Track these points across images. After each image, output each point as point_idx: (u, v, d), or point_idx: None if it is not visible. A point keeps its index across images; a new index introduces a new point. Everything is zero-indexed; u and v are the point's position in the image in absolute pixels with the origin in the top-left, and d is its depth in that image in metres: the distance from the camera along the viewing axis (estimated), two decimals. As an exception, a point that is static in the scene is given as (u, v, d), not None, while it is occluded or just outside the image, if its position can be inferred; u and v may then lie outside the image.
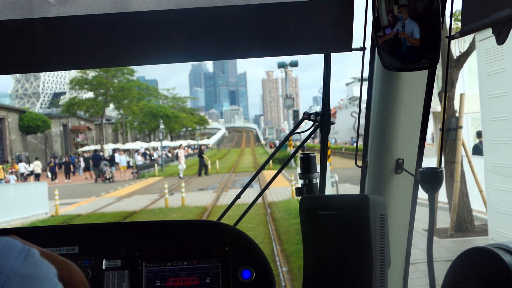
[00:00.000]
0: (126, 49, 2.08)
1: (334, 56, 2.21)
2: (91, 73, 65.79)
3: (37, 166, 44.70)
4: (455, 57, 11.97)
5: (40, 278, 0.93)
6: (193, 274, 2.00)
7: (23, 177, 43.79)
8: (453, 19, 1.91)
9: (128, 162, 44.69)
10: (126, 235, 2.08)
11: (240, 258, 2.01)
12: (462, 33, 1.80)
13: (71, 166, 46.56)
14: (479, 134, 17.37)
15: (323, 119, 2.42)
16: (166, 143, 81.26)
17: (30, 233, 2.21)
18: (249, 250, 2.02)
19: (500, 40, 1.64)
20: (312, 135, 2.49)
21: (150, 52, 2.09)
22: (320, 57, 2.32)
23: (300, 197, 2.03)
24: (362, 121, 2.41)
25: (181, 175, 38.31)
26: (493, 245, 1.54)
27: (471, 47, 11.59)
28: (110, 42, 2.04)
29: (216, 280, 1.99)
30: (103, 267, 2.03)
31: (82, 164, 50.60)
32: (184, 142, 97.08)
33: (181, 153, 39.89)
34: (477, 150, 15.03)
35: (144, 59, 2.13)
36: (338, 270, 1.84)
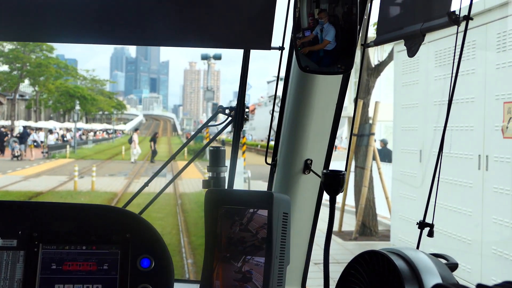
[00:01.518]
0: (43, 24, 2.02)
1: (259, 53, 2.23)
2: (7, 46, 63.25)
3: None
4: (373, 65, 12.32)
5: None
6: (91, 259, 1.96)
7: None
8: (373, 28, 1.97)
9: (34, 141, 43.24)
10: (25, 215, 2.01)
11: (141, 246, 1.98)
12: (376, 43, 1.86)
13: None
14: (384, 142, 17.89)
15: (237, 114, 2.43)
16: (81, 125, 79.28)
17: None
18: (150, 238, 2.00)
19: (411, 52, 1.70)
20: (230, 129, 2.50)
21: (67, 29, 2.04)
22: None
23: (206, 189, 2.03)
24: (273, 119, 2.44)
25: (133, 160, 37.50)
26: (387, 249, 1.59)
27: (390, 57, 11.95)
28: (26, 15, 1.97)
29: (114, 267, 1.96)
30: None
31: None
32: (99, 126, 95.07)
33: (136, 137, 38.94)
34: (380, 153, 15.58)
35: (60, 37, 2.07)
36: (236, 265, 1.85)
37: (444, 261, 1.65)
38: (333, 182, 1.77)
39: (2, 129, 51.49)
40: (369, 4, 1.91)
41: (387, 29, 1.82)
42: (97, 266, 1.95)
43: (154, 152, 38.42)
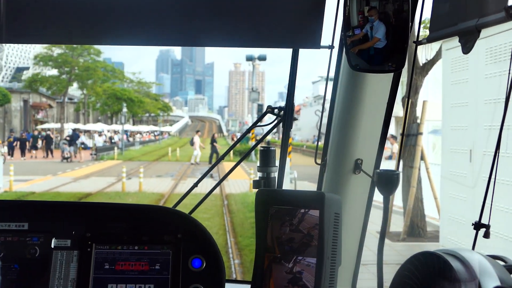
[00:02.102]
0: (94, 27, 2.05)
1: (303, 53, 2.21)
2: (56, 50, 64.66)
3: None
4: (421, 64, 12.13)
5: None
6: (143, 259, 1.98)
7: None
8: (422, 26, 1.93)
9: (82, 143, 44.08)
10: (78, 215, 2.05)
11: (192, 246, 1.99)
12: (429, 40, 1.82)
13: (27, 143, 45.61)
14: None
15: (286, 114, 2.42)
16: (128, 127, 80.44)
17: None
18: (202, 239, 2.01)
19: (466, 49, 1.66)
20: (275, 130, 2.49)
21: (117, 32, 2.06)
22: (289, 52, 2.32)
23: (257, 189, 2.02)
24: (325, 120, 2.42)
25: (194, 161, 36.97)
26: (442, 250, 1.56)
27: (437, 56, 11.75)
28: (79, 19, 2.01)
29: (166, 267, 1.97)
30: (52, 246, 1.99)
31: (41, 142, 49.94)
32: (146, 128, 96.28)
33: (197, 139, 38.51)
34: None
35: (110, 39, 2.09)
36: (288, 265, 1.84)
37: (502, 263, 1.60)
38: (387, 182, 1.74)
39: (49, 132, 52.65)
40: (422, 1, 1.87)
41: (440, 26, 1.78)
42: (149, 266, 1.97)
43: (215, 154, 37.68)
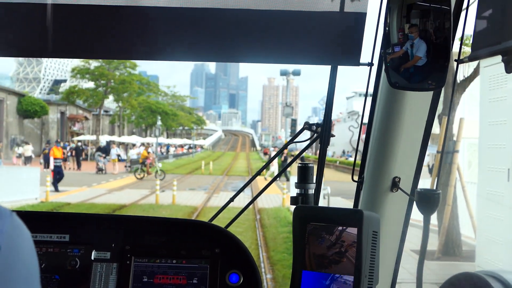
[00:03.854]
0: (131, 42, 2.08)
1: (338, 69, 2.21)
2: (93, 63, 65.73)
3: (26, 150, 44.91)
4: (458, 81, 12.02)
5: (24, 236, 1.00)
6: (181, 273, 1.99)
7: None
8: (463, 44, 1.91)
9: (118, 155, 44.62)
10: (118, 228, 2.08)
11: (229, 261, 2.00)
12: (471, 58, 1.80)
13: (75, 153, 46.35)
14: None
15: (323, 131, 2.41)
16: (162, 140, 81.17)
17: (23, 216, 2.20)
18: (239, 254, 2.02)
19: (510, 68, 1.64)
20: (308, 146, 2.49)
21: (154, 48, 2.09)
22: (323, 68, 2.32)
23: (294, 206, 2.02)
24: (361, 136, 2.41)
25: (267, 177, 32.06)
26: (483, 272, 1.53)
27: (475, 73, 11.62)
28: (117, 33, 2.04)
29: (203, 281, 1.98)
30: (92, 258, 2.02)
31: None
32: (179, 141, 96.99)
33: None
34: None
35: (147, 55, 2.13)
36: (325, 283, 1.83)
37: (543, 285, 1.57)
38: (428, 201, 1.73)
39: (79, 144, 53.39)
40: (464, 19, 1.86)
41: (482, 44, 1.77)
42: (187, 280, 1.98)
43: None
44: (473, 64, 11.77)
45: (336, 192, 22.42)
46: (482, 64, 10.55)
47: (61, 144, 50.40)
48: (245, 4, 1.95)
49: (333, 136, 2.51)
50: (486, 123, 10.11)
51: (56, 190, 24.97)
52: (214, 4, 1.93)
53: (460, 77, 12.12)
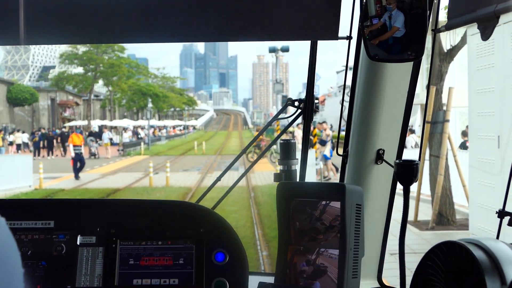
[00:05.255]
0: (116, 25, 2.07)
1: (327, 43, 2.20)
2: (81, 48, 65.33)
3: (18, 138, 45.00)
4: (445, 50, 12.00)
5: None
6: (167, 254, 2.00)
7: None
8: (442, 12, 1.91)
9: (111, 139, 44.51)
10: (102, 212, 2.08)
11: (215, 241, 2.01)
12: (448, 27, 1.80)
13: (54, 141, 45.98)
14: (464, 134, 17.63)
15: (306, 106, 2.41)
16: (154, 122, 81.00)
17: (7, 206, 2.20)
18: (224, 233, 2.03)
19: (485, 35, 1.64)
20: (298, 121, 2.49)
21: (138, 30, 2.08)
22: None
23: (278, 182, 2.03)
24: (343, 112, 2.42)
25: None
26: (465, 240, 1.55)
27: (462, 41, 11.59)
28: (101, 18, 2.03)
29: (189, 261, 1.99)
30: (78, 243, 2.03)
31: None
32: (171, 122, 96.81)
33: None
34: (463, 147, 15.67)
35: (132, 37, 2.11)
36: (310, 258, 1.84)
37: (527, 251, 1.58)
38: (406, 172, 1.73)
39: (63, 130, 53.09)
40: (439, -12, 1.85)
41: (458, 13, 1.76)
42: (173, 261, 2.00)
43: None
44: (460, 32, 11.75)
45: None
46: (469, 32, 10.53)
47: (58, 131, 50.29)
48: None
49: (317, 111, 2.51)
50: (475, 91, 10.12)
51: (77, 178, 24.49)
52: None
53: (447, 46, 12.09)
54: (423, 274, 1.64)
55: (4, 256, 0.97)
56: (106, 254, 2.01)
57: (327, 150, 21.90)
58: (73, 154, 24.90)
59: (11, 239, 1.00)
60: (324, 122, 25.74)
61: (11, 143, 44.75)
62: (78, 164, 24.85)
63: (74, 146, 25.07)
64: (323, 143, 22.61)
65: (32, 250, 2.01)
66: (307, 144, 2.45)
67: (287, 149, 2.28)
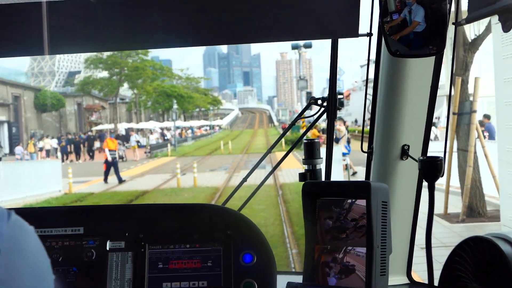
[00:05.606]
0: (140, 32, 2.09)
1: (347, 39, 2.19)
2: (105, 53, 65.88)
3: (47, 143, 45.84)
4: (469, 40, 11.85)
5: (27, 231, 0.99)
6: (195, 257, 2.02)
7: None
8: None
9: (138, 142, 44.83)
10: (130, 217, 2.11)
11: (242, 242, 2.03)
12: (468, 20, 1.79)
13: (81, 146, 46.40)
14: (481, 123, 17.50)
15: (329, 104, 2.41)
16: (180, 123, 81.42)
17: (37, 214, 2.24)
18: (251, 234, 2.04)
19: (506, 27, 1.63)
20: (324, 117, 2.49)
21: (160, 35, 2.10)
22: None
23: (303, 182, 2.03)
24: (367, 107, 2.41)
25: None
26: (492, 234, 1.53)
27: (487, 30, 11.44)
28: (126, 24, 2.05)
29: (217, 263, 2.01)
30: (107, 248, 2.06)
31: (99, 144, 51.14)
32: (197, 123, 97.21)
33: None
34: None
35: (158, 43, 2.14)
36: (338, 257, 1.84)
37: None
38: (430, 169, 1.73)
39: (90, 134, 53.59)
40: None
41: (479, 5, 1.74)
42: (201, 264, 2.02)
43: None
44: (485, 21, 11.59)
45: (357, 161, 22.38)
46: (493, 21, 10.40)
47: (83, 135, 50.83)
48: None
49: (339, 109, 2.51)
50: (502, 80, 9.98)
51: (120, 181, 24.50)
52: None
53: (471, 36, 11.94)
54: (452, 269, 1.63)
55: (35, 263, 1.00)
56: (135, 258, 2.04)
57: (342, 147, 21.65)
58: (110, 159, 24.94)
59: (41, 247, 1.02)
60: (340, 119, 25.25)
61: (40, 149, 45.47)
62: (112, 168, 24.91)
63: (109, 150, 25.04)
64: (336, 140, 22.38)
65: (63, 256, 2.04)
66: (331, 142, 2.45)
67: (311, 149, 2.28)
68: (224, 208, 2.14)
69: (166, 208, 2.18)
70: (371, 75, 2.36)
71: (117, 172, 24.88)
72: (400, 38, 1.70)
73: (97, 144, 49.80)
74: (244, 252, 2.02)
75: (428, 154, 2.18)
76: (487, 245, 1.50)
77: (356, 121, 79.51)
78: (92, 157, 44.53)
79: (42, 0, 1.91)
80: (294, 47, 43.24)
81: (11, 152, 51.60)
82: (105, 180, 24.74)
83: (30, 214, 2.24)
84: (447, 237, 10.24)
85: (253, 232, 2.05)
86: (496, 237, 1.50)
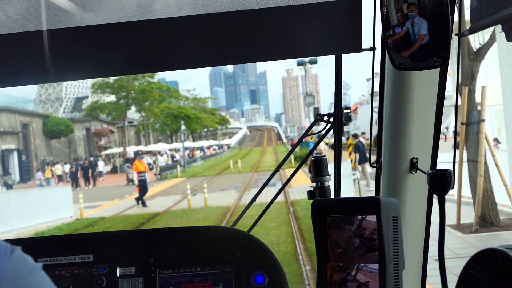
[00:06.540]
0: (149, 55, 2.09)
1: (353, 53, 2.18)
2: (112, 77, 66.28)
3: (58, 169, 46.31)
4: (475, 50, 11.83)
5: (30, 269, 0.97)
6: (206, 280, 2.00)
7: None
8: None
9: (149, 164, 44.85)
10: (140, 243, 2.10)
11: (253, 263, 2.01)
12: (471, 31, 1.78)
13: (90, 170, 46.05)
14: (355, 136, 17.45)
15: (336, 120, 2.40)
16: (188, 144, 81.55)
17: (46, 243, 2.23)
18: (262, 255, 2.02)
19: (510, 36, 1.62)
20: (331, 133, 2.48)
21: (170, 58, 2.10)
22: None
23: (312, 200, 2.01)
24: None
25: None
26: (506, 246, 1.51)
27: (492, 39, 11.42)
28: (134, 49, 2.06)
29: (229, 286, 1.99)
30: (118, 275, 2.04)
31: (102, 168, 51.15)
32: (206, 143, 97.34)
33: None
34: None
35: (166, 65, 2.14)
36: (351, 273, 1.82)
37: None
38: (440, 182, 1.70)
39: (86, 161, 53.46)
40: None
41: (481, 15, 1.74)
42: (213, 286, 2.00)
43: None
44: (489, 30, 11.58)
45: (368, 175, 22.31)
46: (497, 30, 10.39)
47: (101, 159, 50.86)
48: (241, 5, 1.94)
49: (346, 124, 2.50)
50: (509, 89, 9.96)
51: (144, 205, 23.99)
52: (214, 9, 1.93)
53: (476, 45, 11.92)
54: (466, 283, 1.61)
55: None
56: (146, 283, 2.02)
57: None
58: (137, 182, 24.64)
59: (46, 285, 1.00)
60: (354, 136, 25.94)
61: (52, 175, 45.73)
62: (144, 190, 24.56)
63: (138, 172, 24.70)
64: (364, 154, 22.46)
65: (73, 285, 2.03)
66: (339, 158, 2.44)
67: (319, 166, 2.27)
68: (234, 229, 2.12)
69: (175, 231, 2.17)
70: (377, 89, 2.35)
71: (142, 194, 24.49)
72: (403, 51, 1.70)
73: (100, 167, 49.87)
74: (256, 273, 2.00)
75: (438, 166, 2.16)
76: (501, 257, 1.47)
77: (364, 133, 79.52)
78: (93, 184, 44.28)
79: (44, 29, 1.91)
80: (300, 64, 43.36)
81: (22, 179, 51.87)
82: (143, 203, 24.18)
83: (39, 243, 2.23)
84: (461, 248, 10.14)
85: (263, 252, 2.03)
86: (510, 249, 1.48)
